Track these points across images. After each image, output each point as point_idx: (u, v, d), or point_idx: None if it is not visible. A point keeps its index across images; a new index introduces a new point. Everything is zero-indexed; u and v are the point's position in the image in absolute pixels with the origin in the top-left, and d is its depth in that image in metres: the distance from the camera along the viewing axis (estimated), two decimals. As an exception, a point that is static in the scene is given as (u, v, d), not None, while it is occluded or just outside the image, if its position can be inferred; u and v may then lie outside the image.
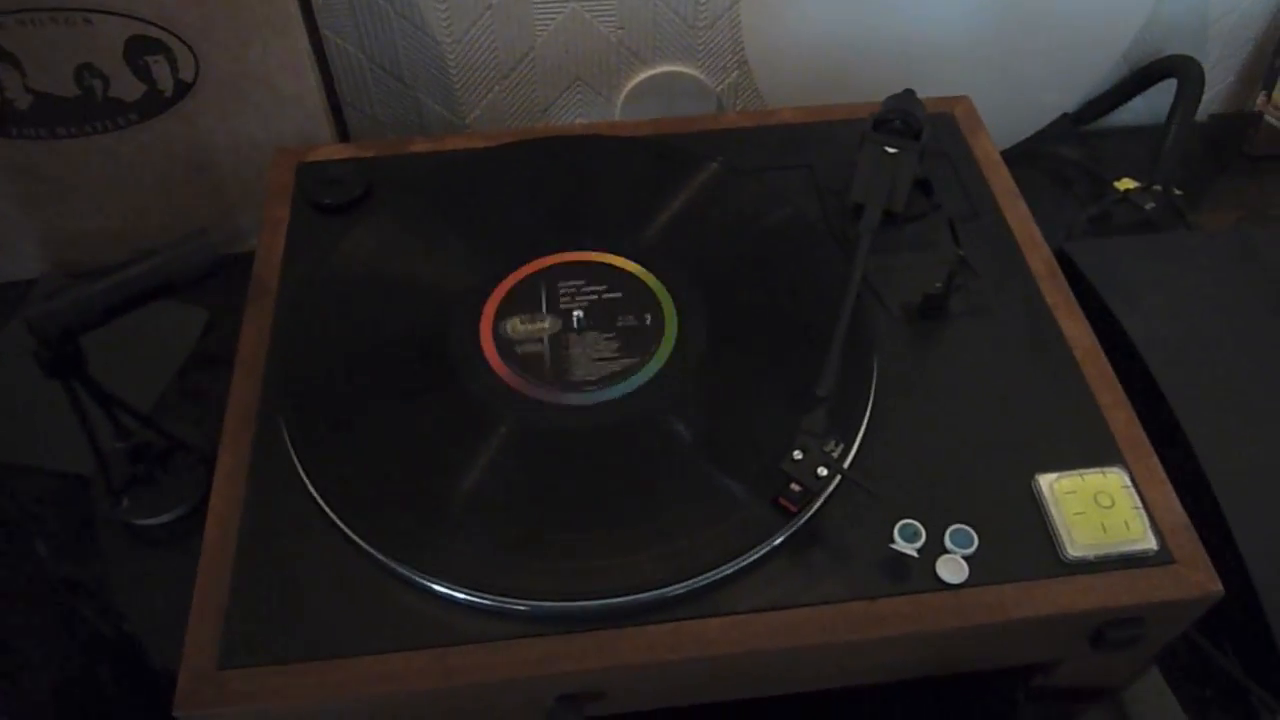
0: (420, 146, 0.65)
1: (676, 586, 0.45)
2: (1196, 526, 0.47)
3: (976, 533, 0.46)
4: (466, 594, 0.45)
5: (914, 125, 0.59)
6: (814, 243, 0.58)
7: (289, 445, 0.49)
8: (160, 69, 0.66)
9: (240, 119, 0.69)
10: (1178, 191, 0.76)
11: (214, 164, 0.71)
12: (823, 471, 0.45)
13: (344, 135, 0.78)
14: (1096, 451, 0.49)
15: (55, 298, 0.49)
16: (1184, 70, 0.78)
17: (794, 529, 0.46)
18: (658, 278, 0.56)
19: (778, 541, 0.46)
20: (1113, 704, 0.55)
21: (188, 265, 0.51)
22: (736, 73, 0.80)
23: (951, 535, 0.46)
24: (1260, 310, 0.63)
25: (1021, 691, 0.55)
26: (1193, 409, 0.58)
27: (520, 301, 0.55)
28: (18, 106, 0.65)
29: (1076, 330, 0.55)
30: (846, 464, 0.48)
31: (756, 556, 0.46)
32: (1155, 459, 0.49)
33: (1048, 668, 0.53)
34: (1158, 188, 0.76)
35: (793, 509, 0.46)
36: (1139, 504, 0.47)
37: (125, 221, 0.73)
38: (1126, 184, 0.77)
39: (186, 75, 0.66)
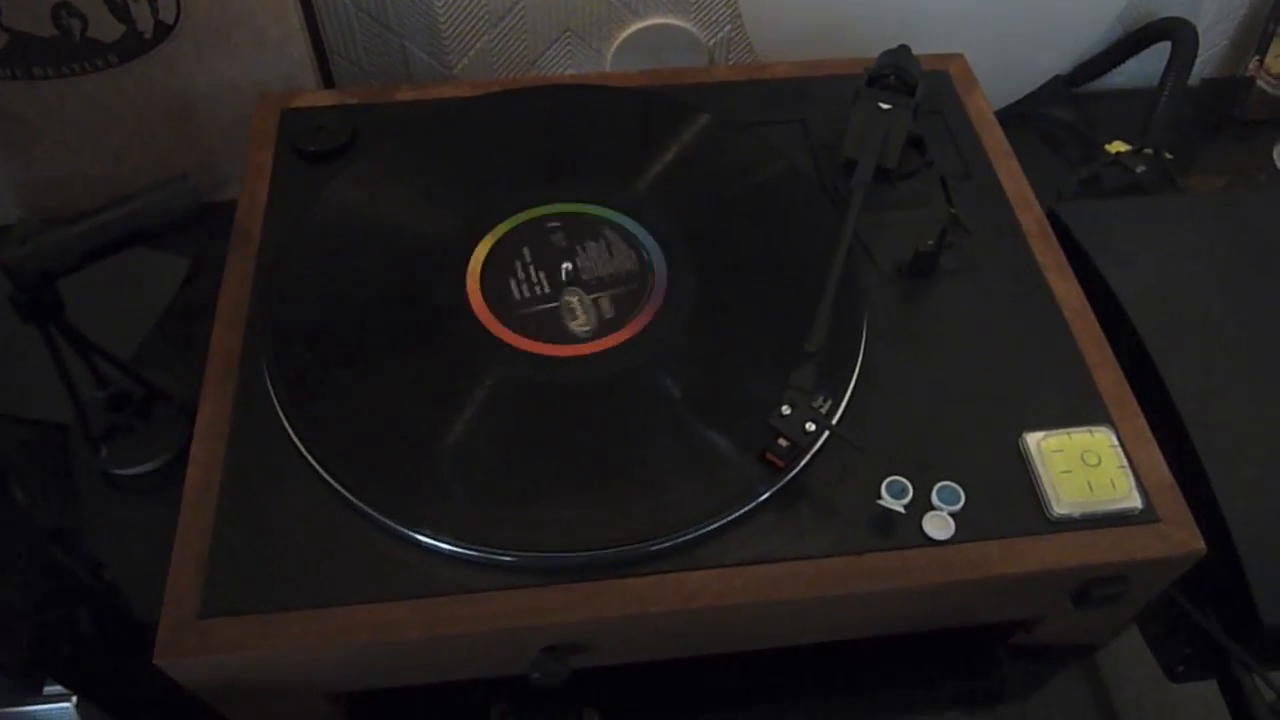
0: (407, 94, 0.64)
1: (662, 540, 0.44)
2: (1180, 486, 0.47)
3: (963, 490, 0.46)
4: (450, 545, 0.44)
5: (909, 81, 0.59)
6: (806, 198, 0.57)
7: (272, 394, 0.49)
8: (140, 9, 0.64)
9: (223, 63, 0.68)
10: (1168, 155, 0.76)
11: (195, 109, 0.70)
12: (811, 427, 0.45)
13: (329, 82, 0.77)
14: (1084, 410, 0.50)
15: (32, 240, 0.48)
16: (1178, 33, 0.77)
17: (781, 484, 0.46)
18: (647, 230, 0.56)
19: (764, 497, 0.46)
20: (1091, 663, 0.56)
21: (169, 209, 0.50)
22: (729, 27, 0.79)
23: (938, 492, 0.46)
24: (1247, 273, 0.63)
25: (1002, 648, 0.56)
26: (1178, 370, 0.58)
27: (507, 253, 0.54)
28: (-8, 46, 0.64)
29: (1066, 290, 0.54)
30: (835, 420, 0.48)
31: (743, 511, 0.46)
32: (1142, 418, 0.49)
33: (1029, 624, 0.53)
34: (1149, 151, 0.75)
35: (780, 464, 0.46)
36: (1125, 463, 0.47)
37: (104, 167, 0.72)
38: (1118, 146, 0.77)
39: (167, 17, 0.65)
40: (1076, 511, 0.46)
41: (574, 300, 0.52)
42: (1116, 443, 0.48)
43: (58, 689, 0.47)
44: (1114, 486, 0.46)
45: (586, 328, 0.51)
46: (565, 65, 0.80)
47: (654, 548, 0.45)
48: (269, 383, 0.49)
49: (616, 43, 0.79)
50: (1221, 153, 0.83)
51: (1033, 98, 0.83)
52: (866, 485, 0.46)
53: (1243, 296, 0.62)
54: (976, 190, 0.59)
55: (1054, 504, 0.46)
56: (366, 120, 0.61)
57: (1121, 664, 0.56)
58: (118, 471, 0.59)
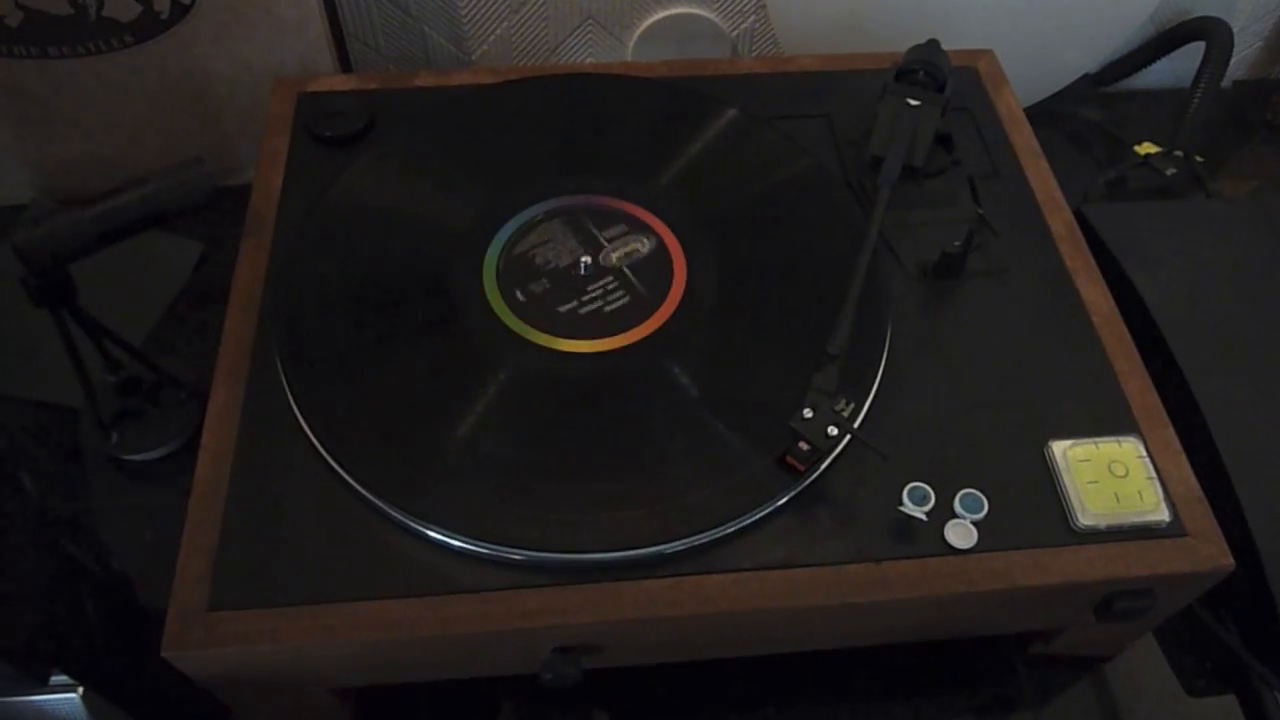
0: (425, 80, 0.63)
1: (678, 542, 0.44)
2: (1205, 496, 0.47)
3: (987, 498, 0.45)
4: (463, 542, 0.44)
5: (938, 78, 0.57)
6: (830, 195, 0.56)
7: (285, 384, 0.48)
8: (157, -11, 0.63)
9: (239, 45, 0.67)
10: (1199, 158, 0.74)
11: (211, 91, 0.69)
12: (832, 431, 0.44)
13: (346, 67, 0.76)
14: (1112, 419, 0.48)
15: (44, 223, 0.48)
16: (1213, 33, 0.76)
17: (801, 488, 0.45)
18: (667, 224, 0.55)
19: (783, 500, 0.45)
20: (1108, 674, 0.55)
21: (183, 194, 0.50)
22: (753, 17, 0.77)
23: (961, 500, 0.45)
24: (1278, 280, 0.62)
25: (1019, 658, 0.55)
26: (1206, 378, 0.57)
27: (524, 244, 0.54)
28: (8, 23, 0.63)
29: (1095, 295, 0.53)
30: (857, 424, 0.47)
31: (761, 515, 0.45)
32: (1170, 429, 0.48)
33: (1048, 635, 0.53)
34: (1179, 153, 0.74)
35: (800, 468, 0.45)
36: (1153, 474, 0.46)
37: (118, 148, 0.71)
38: (1147, 148, 0.75)
39: (184, -3, 0.64)
40: (1102, 523, 0.45)
41: (591, 294, 0.52)
42: (1145, 454, 0.47)
43: (64, 679, 0.46)
44: (1141, 498, 0.46)
45: (604, 322, 0.51)
46: (586, 54, 0.79)
47: (670, 550, 0.44)
48: (281, 371, 0.49)
49: (639, 32, 0.77)
50: (1252, 157, 0.81)
51: (1060, 96, 0.82)
52: (887, 491, 0.46)
53: (1272, 303, 0.61)
54: (1004, 190, 0.58)
55: (1079, 515, 0.45)
56: (384, 106, 0.60)
57: (1138, 676, 0.55)
58: (128, 457, 0.59)
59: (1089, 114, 0.83)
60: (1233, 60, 0.78)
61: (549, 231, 0.54)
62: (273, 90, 0.62)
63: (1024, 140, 0.60)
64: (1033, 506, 0.46)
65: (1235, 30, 0.77)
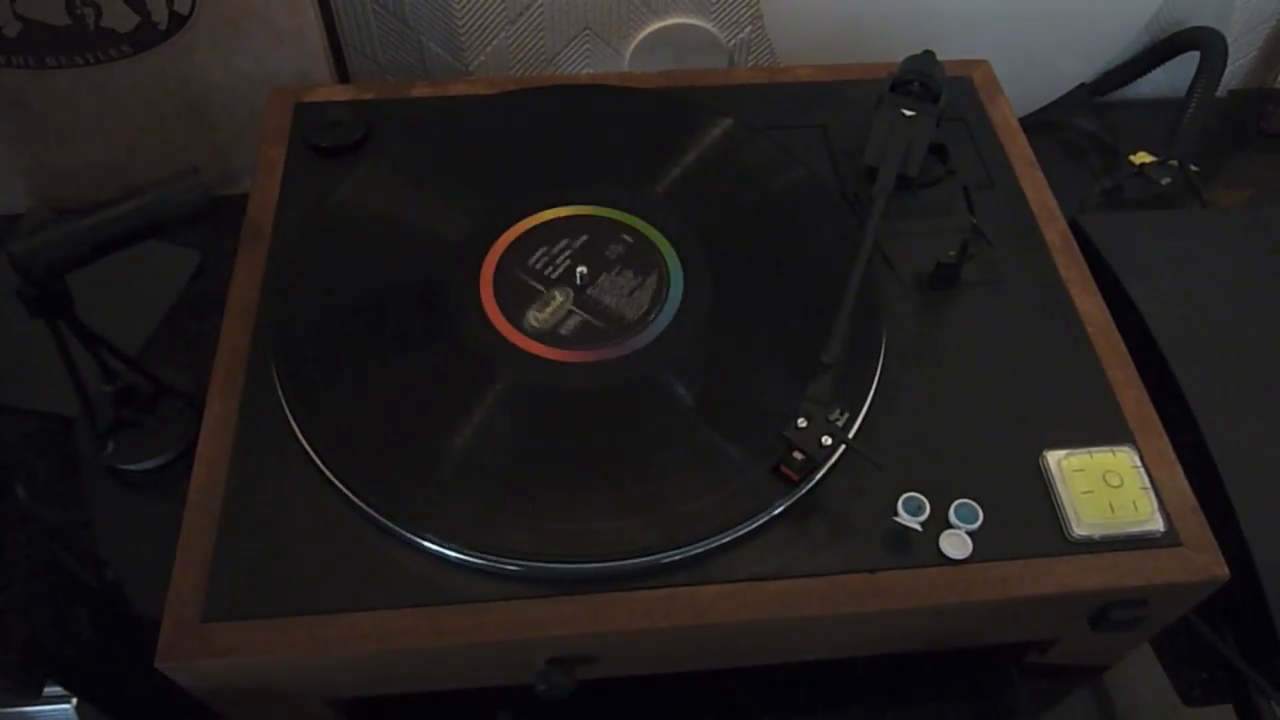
0: (422, 91, 0.63)
1: (673, 553, 0.44)
2: (1200, 506, 0.46)
3: (982, 508, 0.45)
4: (458, 553, 0.44)
5: (933, 88, 0.58)
6: (826, 205, 0.56)
7: (280, 394, 0.48)
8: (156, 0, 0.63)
9: (237, 56, 0.67)
10: (1194, 167, 0.75)
11: (208, 102, 0.69)
12: (827, 440, 0.44)
13: (344, 77, 0.76)
14: (1106, 429, 0.48)
15: (41, 233, 0.48)
16: (1207, 43, 0.76)
17: (795, 498, 0.45)
18: (663, 234, 0.55)
19: (778, 510, 0.45)
20: (1104, 684, 0.55)
21: (179, 204, 0.50)
22: (750, 28, 0.78)
23: (956, 510, 0.45)
24: (1273, 290, 0.62)
25: (1015, 668, 0.55)
26: (1201, 387, 0.57)
27: (520, 255, 0.54)
28: (6, 34, 0.63)
29: (1090, 305, 0.53)
30: (851, 433, 0.47)
31: (756, 525, 0.45)
32: (1165, 439, 0.48)
33: (1044, 645, 0.53)
34: (1174, 162, 0.74)
35: (794, 478, 0.45)
36: (1148, 484, 0.46)
37: (115, 158, 0.71)
38: (1142, 157, 0.75)
39: (182, 8, 0.64)
40: (1097, 533, 0.45)
41: (588, 303, 0.52)
42: (1139, 463, 0.47)
43: (58, 690, 0.46)
44: (1136, 508, 0.46)
45: (599, 333, 0.51)
46: (583, 64, 0.79)
47: (664, 560, 0.44)
48: (277, 381, 0.49)
49: (635, 42, 0.78)
50: (1247, 166, 0.81)
51: (1056, 106, 0.82)
52: (882, 501, 0.45)
53: (1269, 314, 0.61)
54: (999, 200, 0.58)
55: (1074, 525, 0.45)
56: (381, 116, 0.60)
57: (1135, 686, 0.55)
58: (124, 467, 0.59)
59: (1084, 124, 0.83)
60: (1228, 69, 0.78)
61: (545, 242, 0.54)
62: (270, 100, 0.62)
63: (1019, 150, 0.61)
64: (1027, 517, 0.46)
65: (1230, 40, 0.77)
